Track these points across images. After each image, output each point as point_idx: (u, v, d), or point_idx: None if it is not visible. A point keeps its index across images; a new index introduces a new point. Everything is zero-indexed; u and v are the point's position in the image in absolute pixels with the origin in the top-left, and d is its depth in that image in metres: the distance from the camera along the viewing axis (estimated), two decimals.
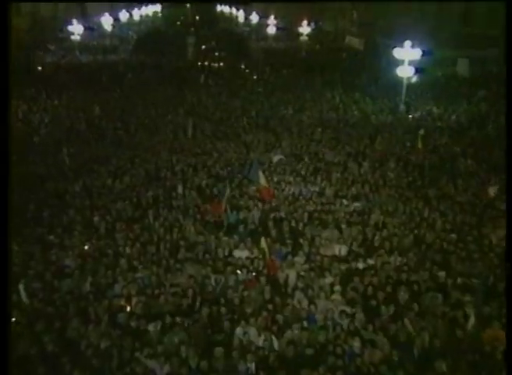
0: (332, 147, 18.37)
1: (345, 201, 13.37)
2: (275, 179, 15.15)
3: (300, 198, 13.66)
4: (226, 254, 10.83)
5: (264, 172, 13.60)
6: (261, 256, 10.32)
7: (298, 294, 8.83)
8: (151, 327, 7.89)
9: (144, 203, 13.20)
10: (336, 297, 8.80)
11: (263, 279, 9.14)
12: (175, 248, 11.03)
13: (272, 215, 12.50)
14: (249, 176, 13.12)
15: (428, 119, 21.68)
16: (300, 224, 12.03)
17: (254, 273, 9.75)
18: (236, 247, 10.98)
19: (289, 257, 10.53)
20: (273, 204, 13.10)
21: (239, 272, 9.90)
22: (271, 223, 12.01)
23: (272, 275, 9.64)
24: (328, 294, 8.94)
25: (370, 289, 8.76)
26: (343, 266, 10.19)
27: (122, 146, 18.23)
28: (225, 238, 11.32)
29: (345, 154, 17.59)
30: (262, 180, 12.70)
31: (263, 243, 9.81)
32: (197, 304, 8.87)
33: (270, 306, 8.44)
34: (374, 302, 8.40)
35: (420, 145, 16.79)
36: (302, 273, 9.88)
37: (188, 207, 12.99)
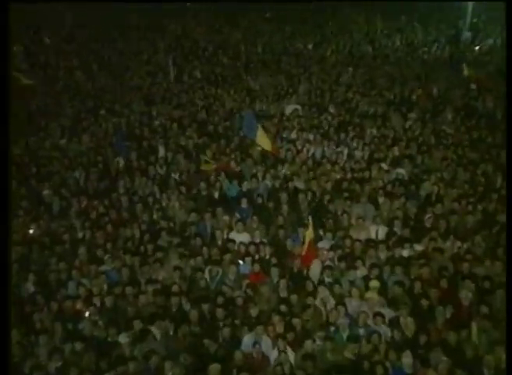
0: (366, 93, 18.18)
1: (384, 166, 13.22)
2: (289, 136, 15.11)
3: (324, 162, 13.57)
4: (225, 238, 10.87)
5: (267, 127, 13.52)
6: (264, 240, 10.43)
7: (322, 292, 8.94)
8: (122, 339, 7.89)
9: (113, 171, 13.07)
10: (373, 295, 8.81)
11: (275, 270, 9.49)
12: (154, 231, 11.07)
13: (286, 185, 12.50)
14: (244, 132, 12.83)
15: (502, 50, 20.82)
16: (324, 198, 11.97)
17: (259, 264, 9.78)
18: (238, 229, 10.98)
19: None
20: (285, 170, 13.02)
21: (241, 262, 9.95)
22: (284, 197, 11.90)
23: (303, 267, 9.68)
24: (361, 291, 9.06)
25: (418, 285, 8.77)
26: (382, 254, 10.09)
27: (79, 93, 17.86)
28: (224, 217, 11.27)
29: (384, 102, 17.40)
30: (261, 139, 12.26)
31: (310, 225, 9.80)
32: (186, 305, 8.86)
33: (284, 308, 8.54)
34: (425, 303, 8.37)
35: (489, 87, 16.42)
36: (327, 263, 9.89)
37: (172, 176, 12.98)
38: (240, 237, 10.65)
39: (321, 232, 10.77)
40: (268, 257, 10.01)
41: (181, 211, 11.60)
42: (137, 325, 8.14)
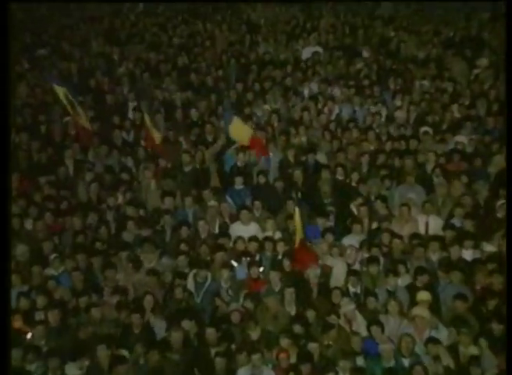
0: (414, 29, 17.86)
1: (438, 133, 13.16)
2: (306, 90, 15.02)
3: (353, 126, 13.49)
4: (216, 231, 10.91)
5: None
6: (278, 235, 10.55)
7: (347, 305, 9.00)
8: (72, 370, 7.99)
9: (57, 136, 13.08)
10: (420, 312, 8.84)
11: (280, 276, 9.53)
12: (119, 220, 11.06)
13: (301, 158, 12.55)
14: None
15: None
16: (353, 176, 11.90)
17: (262, 267, 9.92)
18: (235, 218, 10.98)
19: (332, 237, 10.48)
20: (300, 137, 12.98)
21: (234, 264, 9.98)
22: (298, 174, 11.84)
23: (302, 270, 9.79)
24: (404, 305, 9.19)
25: (491, 302, 8.85)
26: (434, 256, 10.08)
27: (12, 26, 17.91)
28: (214, 202, 11.27)
29: (439, 42, 17.10)
30: (236, 130, 12.31)
31: (297, 214, 9.87)
32: (162, 324, 8.96)
33: (297, 328, 8.57)
34: (497, 327, 8.32)
35: None
36: (355, 267, 9.87)
37: (143, 144, 13.01)
38: (241, 229, 10.69)
39: (351, 223, 10.79)
40: (275, 256, 10.07)
41: (156, 193, 11.56)
42: (96, 351, 8.22)
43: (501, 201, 10.82)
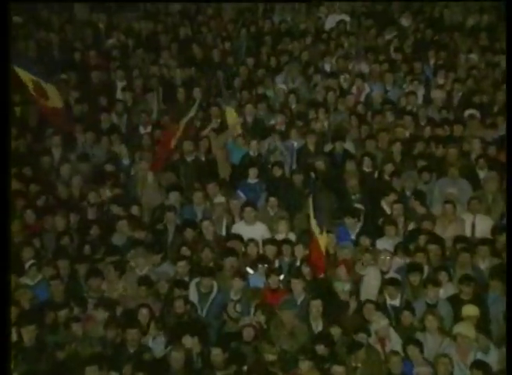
0: None
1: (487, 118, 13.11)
2: (330, 66, 15.10)
3: (386, 109, 13.41)
4: (223, 233, 10.97)
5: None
6: (292, 236, 10.60)
7: (380, 321, 8.95)
8: None
9: (33, 121, 13.20)
10: (464, 330, 8.72)
11: (303, 285, 9.49)
12: (108, 220, 11.06)
13: (323, 147, 12.53)
14: None
15: None
16: (385, 168, 11.88)
17: (282, 275, 9.93)
18: (247, 217, 10.99)
19: (362, 240, 10.46)
20: (322, 122, 12.91)
21: (250, 271, 10.03)
22: (320, 165, 11.84)
23: (320, 276, 9.81)
24: (446, 322, 9.10)
25: None
26: (483, 263, 10.05)
27: None
28: (221, 199, 11.27)
29: (491, 8, 16.82)
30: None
31: (311, 211, 9.86)
32: (159, 342, 8.94)
33: (321, 348, 8.51)
34: None
35: None
36: (390, 276, 9.82)
37: (139, 130, 13.08)
38: (251, 230, 10.70)
39: (384, 224, 10.77)
40: (295, 263, 10.08)
41: (153, 187, 11.61)
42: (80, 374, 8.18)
43: None
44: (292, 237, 10.70)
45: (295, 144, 12.54)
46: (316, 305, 9.15)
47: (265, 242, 10.35)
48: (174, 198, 11.26)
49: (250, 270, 9.97)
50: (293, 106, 13.63)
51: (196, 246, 10.44)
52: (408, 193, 11.38)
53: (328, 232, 10.25)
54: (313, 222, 9.89)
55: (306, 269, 9.77)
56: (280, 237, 10.63)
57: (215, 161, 12.32)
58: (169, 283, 9.69)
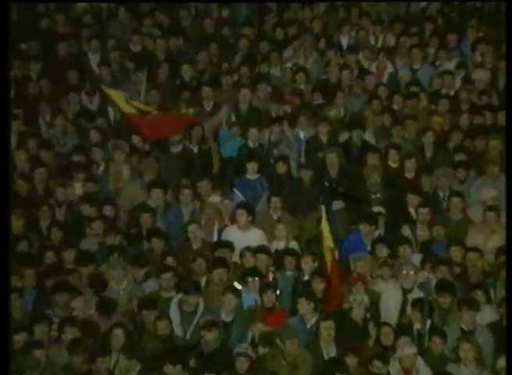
0: None
1: None
2: (345, 40, 15.10)
3: (415, 91, 13.37)
4: (214, 239, 11.03)
5: None
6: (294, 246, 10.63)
7: (407, 348, 8.87)
8: None
9: None
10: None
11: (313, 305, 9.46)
12: (77, 222, 11.20)
13: (338, 137, 12.60)
14: None
15: None
16: (410, 163, 11.79)
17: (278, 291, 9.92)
18: (242, 222, 10.98)
19: (386, 250, 10.39)
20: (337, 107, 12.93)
21: (237, 286, 9.98)
22: (332, 159, 11.81)
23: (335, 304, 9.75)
24: (486, 352, 9.01)
25: None
26: None
27: None
28: (213, 198, 11.36)
29: None
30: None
31: (323, 213, 9.83)
32: (134, 368, 8.90)
33: None
34: None
35: None
36: (415, 294, 9.77)
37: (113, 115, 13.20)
38: (244, 236, 10.71)
39: (404, 232, 10.80)
40: (302, 277, 10.08)
41: (132, 184, 11.73)
42: None
43: None
44: (294, 245, 10.67)
45: (302, 134, 12.61)
46: (327, 327, 9.05)
47: (257, 250, 10.25)
48: (156, 196, 11.21)
49: (237, 285, 9.88)
50: (303, 88, 13.58)
51: (183, 255, 10.42)
52: (442, 194, 11.39)
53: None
54: (328, 236, 9.82)
55: (319, 285, 9.70)
56: (280, 245, 10.59)
57: (210, 153, 12.38)
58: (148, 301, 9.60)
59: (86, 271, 10.05)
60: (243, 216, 10.79)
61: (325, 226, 9.85)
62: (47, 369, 8.79)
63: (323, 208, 9.96)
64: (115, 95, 12.23)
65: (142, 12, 15.65)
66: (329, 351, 9.08)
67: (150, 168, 11.89)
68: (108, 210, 11.18)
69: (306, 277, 10.08)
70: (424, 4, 15.95)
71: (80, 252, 10.51)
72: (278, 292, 9.83)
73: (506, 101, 12.20)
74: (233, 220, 11.06)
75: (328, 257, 9.84)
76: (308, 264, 10.11)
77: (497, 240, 10.61)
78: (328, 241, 9.82)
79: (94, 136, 12.57)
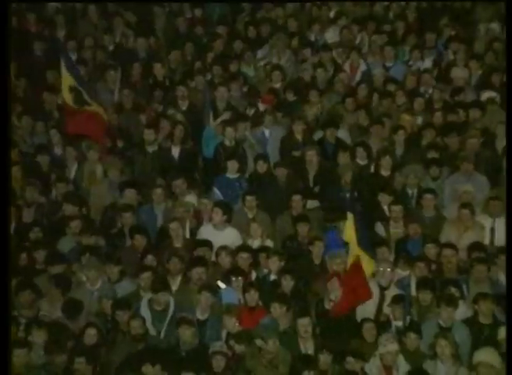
0: None
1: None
2: (317, 36, 15.08)
3: (388, 89, 13.45)
4: (188, 237, 11.02)
5: None
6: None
7: (388, 344, 8.86)
8: None
9: None
10: (487, 358, 8.65)
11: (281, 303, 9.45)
12: (51, 221, 11.24)
13: (313, 135, 12.60)
14: None
15: None
16: (383, 161, 11.84)
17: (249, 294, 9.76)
18: (218, 221, 10.97)
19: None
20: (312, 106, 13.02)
21: (222, 285, 10.03)
22: (312, 157, 11.82)
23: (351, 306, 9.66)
24: (462, 348, 9.01)
25: None
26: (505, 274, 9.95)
27: None
28: (189, 198, 11.43)
29: None
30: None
31: (350, 220, 9.84)
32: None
33: None
34: None
35: None
36: (392, 291, 9.81)
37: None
38: (220, 236, 10.72)
39: (378, 230, 10.89)
40: (278, 276, 10.03)
41: (105, 183, 11.71)
42: None
43: None
44: (269, 243, 10.69)
45: (268, 132, 12.65)
46: (304, 324, 9.06)
47: (238, 250, 10.26)
48: (130, 196, 11.18)
49: (221, 284, 9.87)
50: (278, 86, 13.60)
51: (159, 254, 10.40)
52: (414, 192, 11.43)
53: (317, 239, 10.32)
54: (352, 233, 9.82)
55: (287, 283, 9.69)
56: (256, 244, 10.60)
57: (191, 153, 12.44)
58: (120, 302, 9.60)
59: (55, 271, 9.97)
60: (218, 214, 10.77)
61: (351, 233, 9.83)
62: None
63: (350, 215, 9.91)
64: (66, 81, 12.17)
65: (113, 11, 15.59)
66: (307, 348, 9.07)
67: (122, 168, 11.93)
68: (84, 210, 11.21)
69: (273, 277, 10.07)
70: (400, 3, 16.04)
71: (52, 252, 10.47)
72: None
73: (506, 102, 12.20)
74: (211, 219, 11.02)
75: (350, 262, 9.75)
76: (275, 264, 10.08)
77: (471, 236, 10.70)
78: (354, 248, 9.77)
79: (55, 135, 12.49)
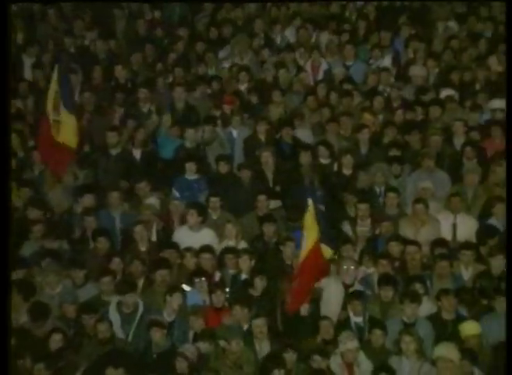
0: None
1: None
2: (278, 41, 15.02)
3: (350, 89, 13.47)
4: (153, 239, 10.97)
5: None
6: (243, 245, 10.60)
7: (348, 342, 8.86)
8: None
9: None
10: (446, 352, 8.64)
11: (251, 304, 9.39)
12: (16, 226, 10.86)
13: (275, 135, 12.57)
14: None
15: None
16: (345, 160, 11.84)
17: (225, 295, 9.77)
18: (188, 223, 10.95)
19: (326, 247, 10.41)
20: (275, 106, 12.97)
21: (186, 288, 9.94)
22: (267, 157, 11.83)
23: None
24: (426, 344, 9.04)
25: None
26: (467, 271, 10.14)
27: None
28: (150, 200, 11.30)
29: None
30: None
31: (311, 211, 9.67)
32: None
33: None
34: None
35: None
36: (354, 288, 9.86)
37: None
38: (196, 237, 10.67)
39: (344, 227, 10.88)
40: (244, 276, 10.06)
41: (60, 187, 11.62)
42: None
43: None
44: (243, 244, 10.67)
45: (235, 132, 12.63)
46: (259, 324, 9.03)
47: (202, 250, 10.21)
48: (88, 201, 11.09)
49: (186, 287, 9.82)
50: (244, 87, 13.66)
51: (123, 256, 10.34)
52: (378, 189, 11.47)
53: (288, 240, 10.35)
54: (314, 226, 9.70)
55: (260, 283, 9.67)
56: (230, 245, 10.56)
57: (152, 155, 12.36)
58: (86, 305, 9.52)
59: (17, 276, 9.82)
60: (193, 215, 10.74)
61: (312, 219, 9.70)
62: None
63: (310, 201, 9.73)
64: (53, 88, 11.98)
65: (73, 13, 15.50)
66: (262, 348, 9.04)
67: (76, 172, 11.86)
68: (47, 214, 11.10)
69: (244, 277, 10.03)
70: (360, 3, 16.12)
71: (14, 257, 10.17)
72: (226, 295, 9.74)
73: (506, 101, 12.22)
74: (183, 221, 11.02)
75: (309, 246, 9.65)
76: (246, 263, 10.07)
77: (427, 232, 10.74)
78: (313, 233, 9.65)
79: (15, 140, 12.29)
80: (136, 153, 12.25)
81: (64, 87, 11.61)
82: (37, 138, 12.04)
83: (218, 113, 12.97)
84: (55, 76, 11.68)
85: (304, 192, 11.42)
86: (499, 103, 12.86)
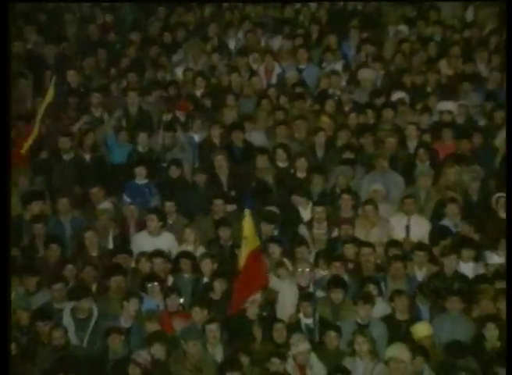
0: None
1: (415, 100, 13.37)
2: (232, 41, 15.04)
3: (303, 92, 13.53)
4: (111, 246, 10.92)
5: None
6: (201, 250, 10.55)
7: (299, 344, 8.87)
8: None
9: None
10: (397, 353, 8.73)
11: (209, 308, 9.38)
12: None
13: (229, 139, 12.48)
14: None
15: None
16: (299, 162, 11.89)
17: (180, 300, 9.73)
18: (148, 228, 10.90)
19: (279, 249, 10.42)
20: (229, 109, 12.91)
21: (140, 293, 9.79)
22: (222, 162, 11.77)
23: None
24: (379, 344, 9.09)
25: (492, 333, 9.03)
26: (420, 272, 10.23)
27: None
28: (103, 205, 11.27)
29: None
30: None
31: (247, 220, 9.70)
32: None
33: None
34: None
35: None
36: (308, 291, 9.89)
37: None
38: (156, 242, 10.62)
39: (300, 230, 10.85)
40: (197, 280, 10.06)
41: (15, 193, 11.29)
42: None
43: (499, 195, 11.03)
44: (201, 250, 10.62)
45: (196, 137, 12.59)
46: (212, 329, 8.99)
47: (153, 254, 10.17)
48: (37, 208, 10.95)
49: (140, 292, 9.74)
50: (199, 93, 13.62)
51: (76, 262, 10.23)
52: (338, 190, 11.47)
53: None
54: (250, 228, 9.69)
55: (219, 287, 9.66)
56: (189, 249, 10.52)
57: (102, 160, 12.25)
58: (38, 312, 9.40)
59: None
60: (153, 221, 10.69)
61: (250, 227, 9.69)
62: None
63: (247, 211, 9.73)
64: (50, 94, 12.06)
65: (22, 16, 15.27)
66: (215, 353, 9.01)
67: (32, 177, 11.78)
68: None
69: (205, 280, 10.00)
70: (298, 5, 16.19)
71: None
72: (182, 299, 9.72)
73: (506, 102, 12.36)
74: (140, 226, 10.98)
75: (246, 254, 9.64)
76: (208, 266, 10.04)
77: (377, 233, 10.80)
78: (253, 240, 9.66)
79: None
80: (87, 158, 12.12)
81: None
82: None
83: (169, 118, 12.86)
84: (51, 87, 11.88)
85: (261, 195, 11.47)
86: (447, 105, 13.00)
